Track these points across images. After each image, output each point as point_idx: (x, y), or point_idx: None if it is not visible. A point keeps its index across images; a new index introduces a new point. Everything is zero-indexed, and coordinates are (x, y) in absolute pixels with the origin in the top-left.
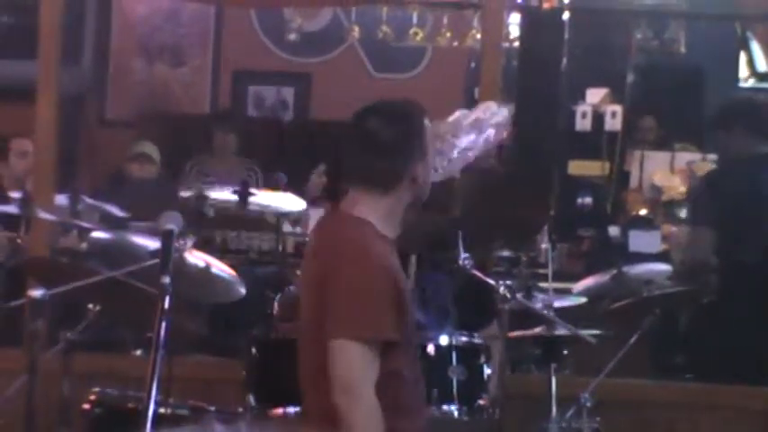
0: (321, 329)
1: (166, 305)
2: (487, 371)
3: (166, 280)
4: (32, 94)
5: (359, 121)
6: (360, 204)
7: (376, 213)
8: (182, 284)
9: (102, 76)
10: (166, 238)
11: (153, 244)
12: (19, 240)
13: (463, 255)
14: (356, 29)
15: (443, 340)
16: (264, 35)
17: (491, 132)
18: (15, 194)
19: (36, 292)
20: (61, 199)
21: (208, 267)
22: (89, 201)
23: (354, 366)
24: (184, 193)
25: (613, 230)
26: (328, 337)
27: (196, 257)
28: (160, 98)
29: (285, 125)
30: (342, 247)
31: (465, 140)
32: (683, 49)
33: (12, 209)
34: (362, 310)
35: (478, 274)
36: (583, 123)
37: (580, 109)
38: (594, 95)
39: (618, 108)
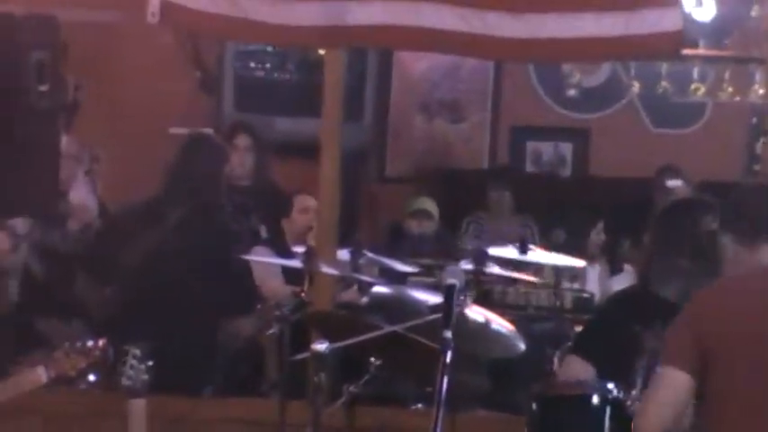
0: None
1: (448, 360)
2: None
3: (448, 335)
4: (315, 151)
5: None
6: None
7: None
8: (461, 339)
9: (382, 132)
10: (449, 292)
11: (432, 298)
12: (303, 294)
13: None
14: (636, 84)
15: None
16: (543, 90)
17: None
18: (299, 249)
19: (319, 346)
20: (343, 253)
21: (487, 322)
22: (370, 255)
23: None
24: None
25: None
26: None
27: (476, 312)
28: (439, 154)
29: (563, 181)
30: None
31: None
32: None
33: (296, 263)
34: None
35: None
36: None
37: None
38: None
39: None
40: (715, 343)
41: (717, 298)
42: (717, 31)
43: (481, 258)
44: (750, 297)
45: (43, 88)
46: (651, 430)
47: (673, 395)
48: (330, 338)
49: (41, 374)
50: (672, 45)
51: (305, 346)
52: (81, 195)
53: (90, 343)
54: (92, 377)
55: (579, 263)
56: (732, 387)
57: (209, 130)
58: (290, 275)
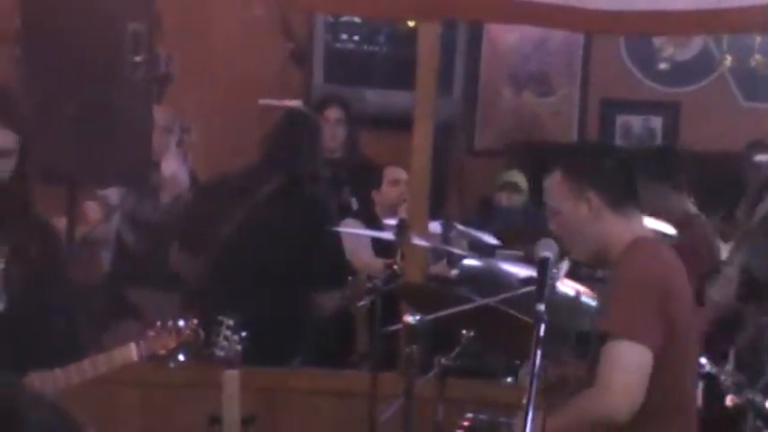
0: None
1: (542, 333)
2: None
3: (542, 308)
4: (404, 123)
5: None
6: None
7: None
8: (551, 312)
9: (471, 105)
10: (542, 265)
11: (522, 271)
12: (395, 267)
13: None
14: (728, 57)
15: None
16: (632, 63)
17: None
18: (390, 221)
19: (411, 318)
20: (434, 226)
21: (578, 296)
22: (461, 228)
23: None
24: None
25: None
26: None
27: (566, 286)
28: (527, 127)
29: None
30: None
31: None
32: None
33: (387, 235)
34: None
35: None
36: None
37: None
38: None
39: None
40: (675, 318)
41: (670, 272)
42: None
43: None
44: (680, 270)
45: (138, 59)
46: (629, 411)
47: (644, 374)
48: (421, 310)
49: (132, 352)
50: (765, 18)
51: (395, 318)
52: (173, 167)
53: (181, 323)
54: (181, 357)
55: (671, 230)
56: (683, 359)
57: (298, 102)
58: (378, 248)
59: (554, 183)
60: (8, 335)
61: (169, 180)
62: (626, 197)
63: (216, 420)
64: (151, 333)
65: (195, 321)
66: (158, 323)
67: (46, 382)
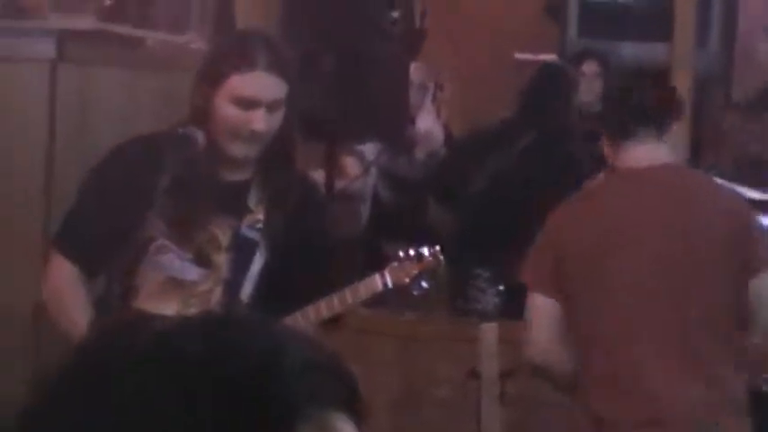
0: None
1: None
2: None
3: None
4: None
5: None
6: None
7: None
8: None
9: (728, 58)
10: None
11: None
12: None
13: None
14: None
15: None
16: None
17: None
18: None
19: None
20: None
21: None
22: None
23: None
24: None
25: None
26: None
27: None
28: None
29: None
30: None
31: None
32: None
33: None
34: None
35: None
36: None
37: None
38: None
39: None
40: (571, 275)
41: (576, 213)
42: None
43: None
44: (621, 204)
45: (395, 14)
46: (541, 355)
47: (547, 319)
48: None
49: (377, 282)
50: None
51: None
52: (428, 123)
53: (423, 250)
54: (424, 284)
55: None
56: (591, 325)
57: (553, 56)
58: None
59: None
60: (270, 287)
61: (424, 137)
62: (622, 131)
63: (474, 374)
64: (394, 264)
65: (437, 248)
66: (401, 253)
67: (298, 320)
